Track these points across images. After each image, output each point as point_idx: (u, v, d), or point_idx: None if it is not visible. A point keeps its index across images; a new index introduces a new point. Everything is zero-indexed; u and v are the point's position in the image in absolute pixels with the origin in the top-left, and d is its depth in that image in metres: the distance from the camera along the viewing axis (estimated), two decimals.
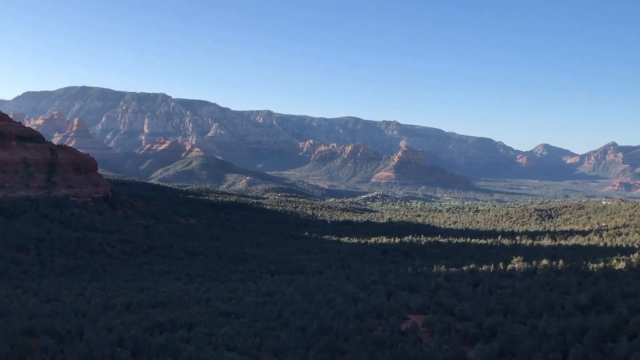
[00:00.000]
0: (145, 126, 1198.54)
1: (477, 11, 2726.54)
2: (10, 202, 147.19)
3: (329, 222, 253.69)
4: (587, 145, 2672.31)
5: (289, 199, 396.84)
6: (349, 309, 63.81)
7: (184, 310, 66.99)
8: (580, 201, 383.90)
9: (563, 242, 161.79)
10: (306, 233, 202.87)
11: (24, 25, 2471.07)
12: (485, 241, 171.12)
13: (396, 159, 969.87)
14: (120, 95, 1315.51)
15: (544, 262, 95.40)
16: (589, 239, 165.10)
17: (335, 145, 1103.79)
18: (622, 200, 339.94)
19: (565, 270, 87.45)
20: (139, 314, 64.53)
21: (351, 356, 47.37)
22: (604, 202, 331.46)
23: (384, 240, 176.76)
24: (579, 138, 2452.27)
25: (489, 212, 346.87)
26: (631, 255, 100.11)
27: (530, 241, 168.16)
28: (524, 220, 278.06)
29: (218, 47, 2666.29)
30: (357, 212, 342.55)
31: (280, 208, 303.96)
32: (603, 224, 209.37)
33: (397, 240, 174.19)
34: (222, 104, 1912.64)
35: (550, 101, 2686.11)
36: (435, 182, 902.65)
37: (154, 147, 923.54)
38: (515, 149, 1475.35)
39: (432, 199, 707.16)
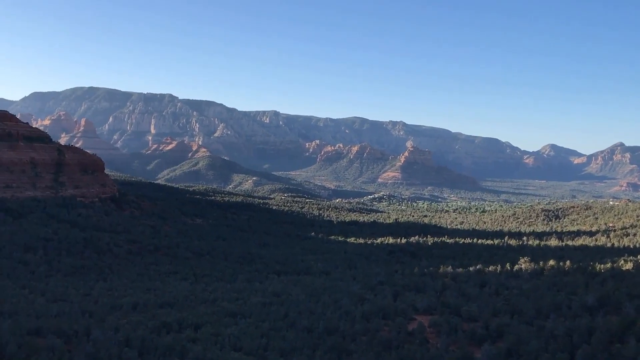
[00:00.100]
0: (152, 126, 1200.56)
1: (485, 12, 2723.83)
2: (18, 202, 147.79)
3: (335, 222, 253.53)
4: (594, 146, 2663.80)
5: (295, 199, 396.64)
6: (355, 310, 63.82)
7: (191, 311, 67.11)
8: (587, 202, 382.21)
9: (570, 243, 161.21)
10: (312, 233, 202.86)
11: (31, 27, 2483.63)
12: (492, 242, 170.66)
13: (403, 159, 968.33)
14: (127, 95, 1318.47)
15: (551, 262, 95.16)
16: (596, 240, 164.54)
17: (341, 145, 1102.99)
18: (630, 201, 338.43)
19: (573, 271, 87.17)
20: (145, 314, 64.68)
21: (358, 357, 47.37)
22: (611, 203, 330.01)
23: (391, 240, 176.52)
24: (586, 138, 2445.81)
25: (495, 212, 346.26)
26: (639, 256, 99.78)
27: (537, 242, 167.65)
28: (531, 220, 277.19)
29: (225, 47, 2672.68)
30: (364, 213, 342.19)
31: (287, 208, 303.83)
32: (610, 225, 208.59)
33: (404, 240, 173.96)
34: (229, 104, 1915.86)
35: (557, 101, 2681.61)
36: (442, 183, 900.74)
37: (160, 148, 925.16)
38: (522, 149, 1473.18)
39: (439, 199, 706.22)
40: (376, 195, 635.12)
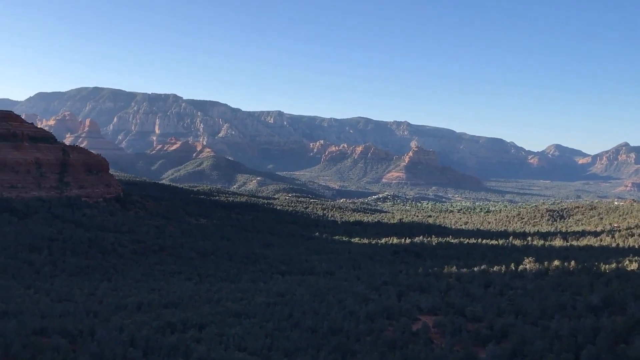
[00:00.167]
0: (157, 127, 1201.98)
1: (489, 13, 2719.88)
2: (23, 202, 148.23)
3: (339, 222, 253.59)
4: (599, 146, 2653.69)
5: (299, 199, 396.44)
6: (359, 310, 63.84)
7: (195, 311, 67.21)
8: (592, 202, 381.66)
9: (575, 243, 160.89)
10: (317, 233, 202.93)
11: (36, 27, 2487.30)
12: (496, 242, 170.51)
13: (407, 159, 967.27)
14: (131, 96, 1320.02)
15: (556, 263, 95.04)
16: (601, 240, 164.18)
17: (345, 145, 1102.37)
18: (635, 201, 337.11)
19: (577, 271, 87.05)
20: (150, 314, 64.80)
21: (362, 357, 47.38)
22: (616, 203, 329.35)
23: (395, 240, 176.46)
24: (591, 138, 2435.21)
25: (500, 212, 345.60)
26: None
27: (541, 242, 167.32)
28: (535, 220, 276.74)
29: (229, 48, 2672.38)
30: (368, 213, 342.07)
31: (291, 208, 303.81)
32: (615, 225, 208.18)
33: (408, 240, 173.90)
34: (233, 104, 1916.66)
35: (562, 101, 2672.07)
36: (446, 183, 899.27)
37: (165, 148, 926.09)
38: (526, 149, 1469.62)
39: (443, 199, 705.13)
40: (380, 196, 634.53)
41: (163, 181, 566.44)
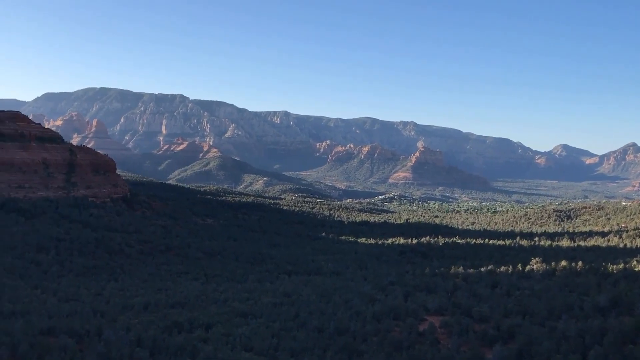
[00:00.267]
0: (163, 127, 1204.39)
1: (496, 13, 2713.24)
2: (30, 202, 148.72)
3: (346, 222, 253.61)
4: (606, 146, 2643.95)
5: (306, 199, 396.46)
6: (366, 310, 63.78)
7: (202, 311, 67.28)
8: (599, 202, 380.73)
9: (582, 244, 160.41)
10: (323, 234, 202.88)
11: (43, 28, 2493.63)
12: (503, 242, 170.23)
13: (413, 159, 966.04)
14: (138, 96, 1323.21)
15: (563, 263, 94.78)
16: (608, 240, 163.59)
17: (352, 145, 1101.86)
18: None
19: (585, 272, 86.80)
20: (157, 313, 64.91)
21: (368, 357, 47.33)
22: (623, 203, 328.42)
23: (402, 241, 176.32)
24: (599, 138, 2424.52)
25: (507, 213, 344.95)
26: None
27: (549, 242, 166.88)
28: (542, 221, 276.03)
29: (235, 48, 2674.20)
30: (374, 213, 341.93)
31: (297, 209, 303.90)
32: (623, 225, 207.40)
33: (415, 241, 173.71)
34: (240, 104, 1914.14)
35: (569, 101, 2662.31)
36: (453, 183, 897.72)
37: (172, 148, 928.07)
38: (533, 149, 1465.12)
39: (450, 199, 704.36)
40: (387, 196, 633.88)
41: (170, 181, 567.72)
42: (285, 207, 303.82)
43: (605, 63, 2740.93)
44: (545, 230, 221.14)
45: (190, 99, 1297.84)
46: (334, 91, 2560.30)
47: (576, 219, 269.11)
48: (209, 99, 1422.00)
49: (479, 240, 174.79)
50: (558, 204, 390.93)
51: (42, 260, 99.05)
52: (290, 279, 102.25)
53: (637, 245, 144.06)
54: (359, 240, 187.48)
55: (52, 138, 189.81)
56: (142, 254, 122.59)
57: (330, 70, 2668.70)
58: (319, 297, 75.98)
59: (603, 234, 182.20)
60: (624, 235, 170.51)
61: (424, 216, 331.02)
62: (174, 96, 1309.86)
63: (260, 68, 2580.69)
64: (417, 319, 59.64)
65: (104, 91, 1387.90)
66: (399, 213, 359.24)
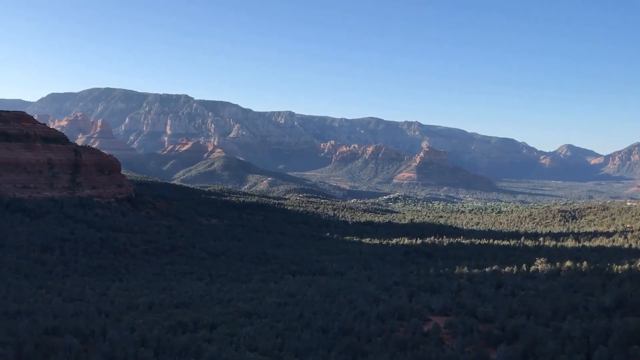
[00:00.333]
0: (168, 127, 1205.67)
1: (496, 13, 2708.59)
2: (35, 202, 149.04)
3: (350, 223, 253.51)
4: (611, 146, 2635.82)
5: (310, 199, 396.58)
6: (370, 310, 63.78)
7: (206, 311, 67.37)
8: (604, 202, 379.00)
9: (587, 244, 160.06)
10: (327, 234, 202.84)
11: (48, 28, 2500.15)
12: (508, 242, 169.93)
13: (418, 159, 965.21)
14: (143, 96, 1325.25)
15: (568, 263, 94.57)
16: (613, 241, 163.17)
17: (356, 146, 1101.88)
18: None
19: (589, 272, 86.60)
20: (161, 313, 65.02)
21: (373, 357, 47.33)
22: (628, 203, 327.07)
23: (406, 241, 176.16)
24: (603, 139, 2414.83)
25: (512, 213, 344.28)
26: None
27: (553, 242, 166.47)
28: (547, 221, 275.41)
29: (240, 49, 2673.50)
30: (379, 213, 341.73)
31: (302, 209, 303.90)
32: (628, 226, 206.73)
33: (419, 241, 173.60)
34: (244, 105, 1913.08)
35: (574, 102, 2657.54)
36: (458, 183, 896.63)
37: (176, 148, 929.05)
38: (538, 149, 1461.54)
39: (455, 200, 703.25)
40: (391, 196, 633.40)
41: (174, 181, 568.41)
42: (289, 208, 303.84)
43: (606, 63, 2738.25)
44: (550, 231, 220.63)
45: (195, 99, 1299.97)
46: (336, 91, 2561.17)
47: (581, 219, 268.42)
48: (213, 99, 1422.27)
49: (484, 241, 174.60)
50: (563, 204, 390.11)
51: (47, 260, 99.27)
52: (294, 279, 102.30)
53: None
54: (363, 240, 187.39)
55: (57, 138, 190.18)
56: (147, 254, 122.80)
57: (331, 70, 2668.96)
58: (323, 297, 76.00)
59: (608, 235, 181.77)
60: (629, 236, 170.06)
61: (429, 216, 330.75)
62: (178, 96, 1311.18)
63: (260, 68, 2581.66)
64: (421, 319, 59.63)
65: (108, 91, 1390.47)
66: (404, 213, 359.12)
